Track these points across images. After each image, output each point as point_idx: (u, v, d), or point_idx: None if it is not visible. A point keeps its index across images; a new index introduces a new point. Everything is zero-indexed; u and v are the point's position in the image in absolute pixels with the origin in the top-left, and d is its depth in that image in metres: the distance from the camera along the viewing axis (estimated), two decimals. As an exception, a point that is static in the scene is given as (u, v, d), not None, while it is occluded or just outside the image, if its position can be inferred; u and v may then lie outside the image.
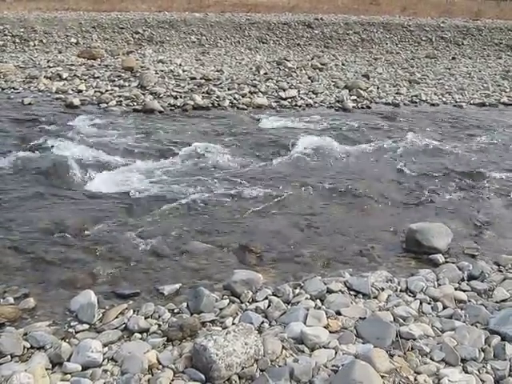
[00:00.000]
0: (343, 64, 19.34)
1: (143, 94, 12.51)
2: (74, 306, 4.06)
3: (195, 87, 13.48)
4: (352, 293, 4.29)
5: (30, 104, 11.58)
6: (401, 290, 4.39)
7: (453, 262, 5.03)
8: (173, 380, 3.11)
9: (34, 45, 22.15)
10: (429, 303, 4.16)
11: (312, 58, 19.90)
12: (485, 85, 15.96)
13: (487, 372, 3.24)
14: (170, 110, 11.73)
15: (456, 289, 4.42)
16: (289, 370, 3.12)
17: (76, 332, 3.78)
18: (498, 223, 6.23)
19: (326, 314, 3.83)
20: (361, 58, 21.88)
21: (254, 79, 14.79)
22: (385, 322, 3.66)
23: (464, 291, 4.37)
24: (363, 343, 3.49)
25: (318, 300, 4.14)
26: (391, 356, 3.32)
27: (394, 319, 3.80)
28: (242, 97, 12.77)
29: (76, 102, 11.67)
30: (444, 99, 13.98)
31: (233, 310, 4.02)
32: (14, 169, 7.52)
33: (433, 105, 13.46)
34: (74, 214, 6.14)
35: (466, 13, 31.60)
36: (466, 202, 6.89)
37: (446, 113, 12.56)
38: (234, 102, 12.44)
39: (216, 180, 7.35)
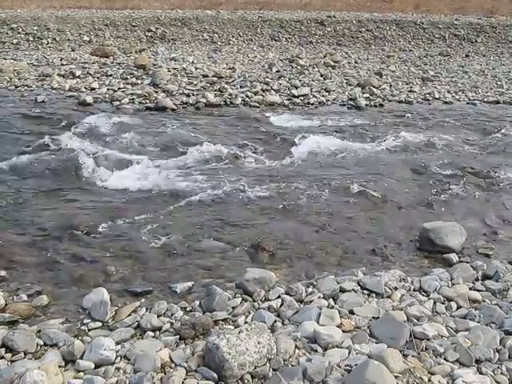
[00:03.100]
0: (356, 62, 19.27)
1: (156, 92, 12.52)
2: (87, 304, 4.07)
3: (207, 85, 13.48)
4: (365, 292, 4.27)
5: (43, 102, 11.61)
6: (414, 290, 4.37)
7: (467, 262, 5.01)
8: (185, 378, 3.11)
9: (48, 43, 22.24)
10: (443, 303, 4.13)
11: (324, 56, 19.83)
12: (499, 82, 15.86)
13: (502, 373, 3.21)
14: (183, 107, 11.73)
15: (470, 288, 4.39)
16: (302, 370, 3.11)
17: (89, 330, 3.80)
18: (512, 222, 6.18)
19: (339, 314, 3.82)
20: (373, 55, 21.79)
21: (267, 77, 14.76)
22: (398, 322, 3.63)
23: (478, 291, 4.35)
24: (377, 343, 3.47)
25: (331, 299, 4.13)
26: (405, 356, 3.30)
27: (408, 319, 3.78)
28: (255, 94, 12.73)
29: (89, 99, 11.69)
30: (457, 97, 13.91)
31: (245, 309, 4.01)
32: (27, 166, 7.55)
33: (446, 102, 13.37)
34: (87, 211, 6.16)
35: (479, 10, 31.35)
36: (479, 201, 6.83)
37: (460, 111, 12.48)
38: (247, 99, 12.42)
39: (229, 178, 7.34)
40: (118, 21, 25.57)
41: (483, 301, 4.16)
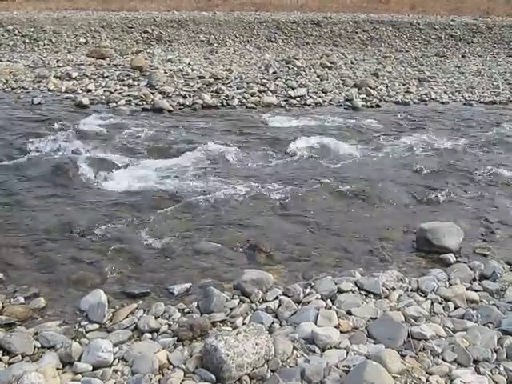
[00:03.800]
0: (352, 62, 19.30)
1: (152, 94, 12.53)
2: (84, 306, 4.06)
3: (204, 86, 13.49)
4: (363, 293, 4.27)
5: (39, 104, 11.62)
6: (412, 290, 4.37)
7: (464, 262, 5.01)
8: (183, 380, 3.11)
9: (44, 44, 22.26)
10: (440, 303, 4.13)
11: (321, 57, 19.84)
12: (495, 83, 15.89)
13: (500, 373, 3.21)
14: (179, 109, 11.74)
15: (467, 289, 4.39)
16: (300, 371, 3.11)
17: (86, 332, 3.78)
18: (509, 222, 6.18)
19: (337, 314, 3.82)
20: (370, 56, 21.82)
21: (263, 78, 14.76)
22: (396, 322, 3.63)
23: (476, 291, 4.34)
24: (374, 343, 3.47)
25: (329, 300, 4.12)
26: (403, 356, 3.29)
27: (406, 319, 3.78)
28: (251, 96, 12.75)
29: (85, 101, 11.69)
30: (454, 97, 13.94)
31: (243, 310, 4.00)
32: (23, 169, 7.55)
33: (442, 103, 13.40)
34: (84, 213, 6.15)
35: (475, 10, 31.43)
36: (477, 202, 6.84)
37: (456, 111, 12.50)
38: (243, 100, 12.44)
39: (225, 179, 7.34)
40: (115, 22, 25.58)
41: (481, 301, 4.16)
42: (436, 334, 3.58)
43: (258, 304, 4.13)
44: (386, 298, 4.20)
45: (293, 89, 13.49)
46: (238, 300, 4.18)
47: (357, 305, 4.00)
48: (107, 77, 14.50)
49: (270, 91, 13.36)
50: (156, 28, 25.16)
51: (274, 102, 12.43)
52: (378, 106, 12.76)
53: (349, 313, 3.89)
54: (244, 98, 12.60)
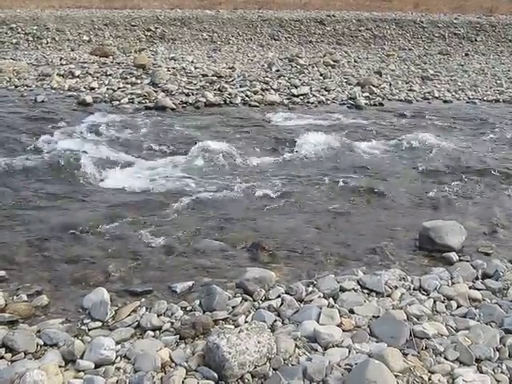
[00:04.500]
0: (355, 61, 19.27)
1: (155, 92, 12.53)
2: (87, 304, 4.06)
3: (207, 84, 13.50)
4: (365, 291, 4.27)
5: (42, 102, 11.63)
6: (414, 289, 4.36)
7: (467, 261, 5.00)
8: (185, 378, 3.11)
9: (47, 42, 22.25)
10: (443, 302, 4.13)
11: (324, 55, 19.82)
12: (498, 81, 15.87)
13: (502, 372, 3.21)
14: (182, 107, 11.74)
15: (470, 287, 4.39)
16: (302, 369, 3.11)
17: (89, 329, 3.78)
18: (512, 221, 6.18)
19: (339, 313, 3.82)
20: (373, 54, 21.78)
21: (266, 76, 14.76)
22: (398, 321, 3.63)
23: (478, 290, 4.34)
24: (377, 342, 3.47)
25: (331, 298, 4.12)
26: (405, 355, 3.30)
27: (408, 318, 3.77)
28: (254, 94, 12.74)
29: (88, 99, 11.70)
30: (457, 96, 13.92)
31: (245, 308, 4.00)
32: (26, 166, 7.54)
33: (446, 101, 13.38)
34: (87, 211, 6.15)
35: (479, 9, 31.35)
36: (479, 200, 6.83)
37: (459, 109, 12.48)
38: (246, 99, 12.43)
39: (228, 177, 7.35)
40: (118, 20, 25.59)
41: (483, 300, 4.16)
42: (438, 333, 3.58)
43: (260, 302, 4.13)
44: (389, 296, 4.20)
45: (296, 87, 13.50)
46: (241, 298, 4.18)
47: (359, 303, 4.00)
48: (110, 75, 14.51)
49: (273, 89, 13.38)
50: (159, 26, 25.15)
51: (277, 100, 12.42)
52: (381, 104, 12.75)
53: (351, 311, 3.90)
54: (247, 96, 12.60)
